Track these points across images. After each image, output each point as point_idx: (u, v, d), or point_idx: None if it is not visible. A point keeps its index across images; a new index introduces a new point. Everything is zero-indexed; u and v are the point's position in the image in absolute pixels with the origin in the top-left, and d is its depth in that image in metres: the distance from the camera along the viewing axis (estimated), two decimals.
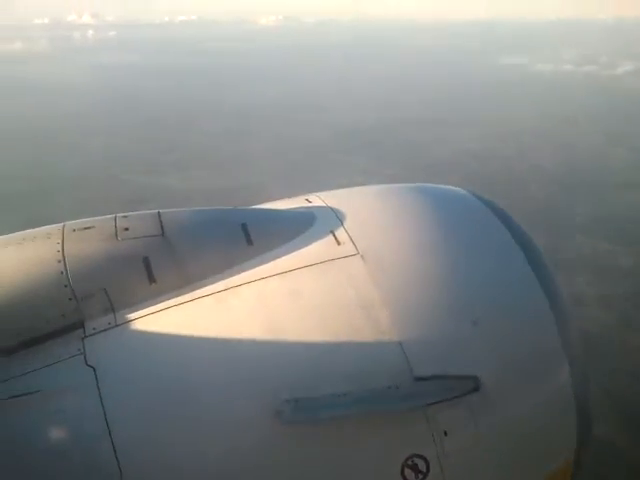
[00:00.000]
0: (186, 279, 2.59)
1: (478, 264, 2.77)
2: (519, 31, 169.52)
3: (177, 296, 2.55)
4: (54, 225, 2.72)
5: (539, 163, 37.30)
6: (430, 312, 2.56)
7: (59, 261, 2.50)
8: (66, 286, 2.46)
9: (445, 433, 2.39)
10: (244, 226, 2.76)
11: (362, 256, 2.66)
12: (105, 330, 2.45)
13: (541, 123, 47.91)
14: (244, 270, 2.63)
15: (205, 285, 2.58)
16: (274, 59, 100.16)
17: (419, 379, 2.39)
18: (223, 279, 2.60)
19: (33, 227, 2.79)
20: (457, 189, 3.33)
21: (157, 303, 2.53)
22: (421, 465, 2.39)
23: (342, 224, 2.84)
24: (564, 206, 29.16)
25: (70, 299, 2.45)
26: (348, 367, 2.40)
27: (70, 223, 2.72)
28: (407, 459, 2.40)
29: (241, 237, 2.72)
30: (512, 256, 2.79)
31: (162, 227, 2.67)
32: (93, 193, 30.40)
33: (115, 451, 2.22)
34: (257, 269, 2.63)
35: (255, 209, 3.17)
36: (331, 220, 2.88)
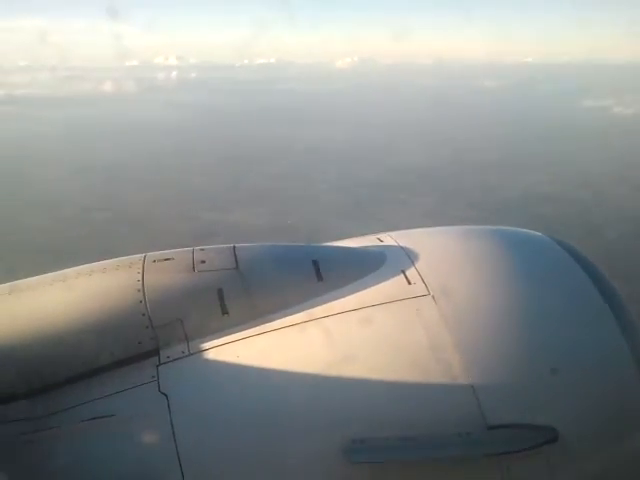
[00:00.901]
0: (257, 312, 2.61)
1: (557, 310, 2.65)
2: (607, 72, 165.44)
3: (248, 328, 2.57)
4: (136, 255, 2.82)
5: (616, 209, 35.71)
6: (505, 358, 2.45)
7: (139, 290, 2.58)
8: (144, 314, 2.53)
9: None
10: (315, 262, 2.76)
11: (434, 297, 2.58)
12: (179, 359, 2.51)
13: (618, 167, 46.06)
14: (314, 306, 2.62)
15: (275, 319, 2.59)
16: (346, 100, 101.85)
17: (492, 427, 2.29)
18: (293, 314, 2.60)
19: (107, 256, 2.91)
20: (535, 233, 3.21)
21: (229, 334, 2.56)
22: None
23: (413, 264, 2.77)
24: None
25: (147, 327, 2.53)
26: (417, 410, 2.34)
27: (151, 254, 2.82)
28: None
29: (312, 273, 2.73)
30: (593, 304, 2.64)
31: (237, 261, 2.72)
32: (162, 227, 31.44)
33: (183, 477, 2.25)
34: (326, 306, 2.62)
35: (326, 246, 3.18)
36: (402, 259, 2.82)
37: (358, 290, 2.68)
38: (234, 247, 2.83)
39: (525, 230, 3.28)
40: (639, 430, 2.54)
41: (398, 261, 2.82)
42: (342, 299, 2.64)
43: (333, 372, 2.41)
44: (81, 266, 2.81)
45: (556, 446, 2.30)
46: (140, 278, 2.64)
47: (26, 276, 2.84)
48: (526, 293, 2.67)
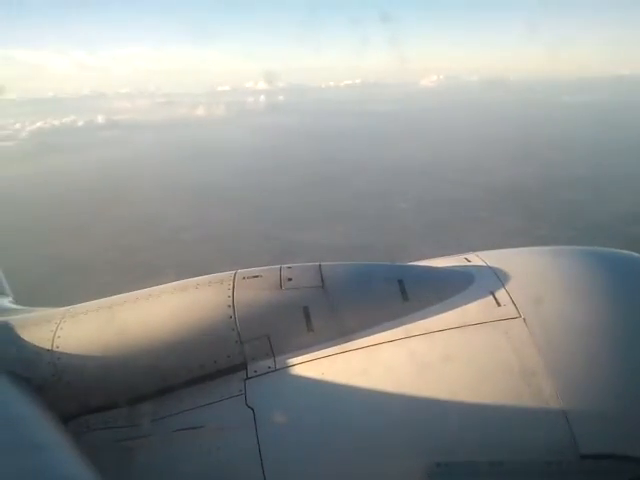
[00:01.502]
0: (342, 330, 2.63)
1: None
2: None
3: (333, 346, 2.60)
4: (227, 272, 2.90)
5: None
6: (600, 384, 2.35)
7: (229, 306, 2.66)
8: (233, 329, 2.62)
9: None
10: (401, 282, 2.75)
11: (524, 319, 2.51)
12: (265, 374, 2.57)
13: None
14: (399, 325, 2.62)
15: (360, 337, 2.61)
16: (431, 119, 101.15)
17: (586, 457, 2.20)
18: (378, 333, 2.61)
19: (193, 273, 3.12)
20: (631, 253, 3.08)
21: (314, 351, 2.60)
22: None
23: (503, 285, 2.71)
24: None
25: (236, 342, 2.61)
26: (506, 435, 2.29)
27: (241, 271, 2.89)
28: None
29: (397, 293, 2.71)
30: None
31: (322, 279, 2.76)
32: (245, 246, 32.64)
33: None
34: (412, 325, 2.60)
35: (412, 266, 3.12)
36: (491, 280, 2.76)
37: (445, 311, 2.64)
38: (320, 265, 2.86)
39: (619, 250, 3.15)
40: None
41: (487, 282, 2.76)
42: (428, 319, 2.61)
43: (418, 393, 2.38)
44: (176, 282, 2.92)
45: None
46: (230, 294, 2.71)
47: (118, 292, 2.98)
48: (621, 316, 2.56)
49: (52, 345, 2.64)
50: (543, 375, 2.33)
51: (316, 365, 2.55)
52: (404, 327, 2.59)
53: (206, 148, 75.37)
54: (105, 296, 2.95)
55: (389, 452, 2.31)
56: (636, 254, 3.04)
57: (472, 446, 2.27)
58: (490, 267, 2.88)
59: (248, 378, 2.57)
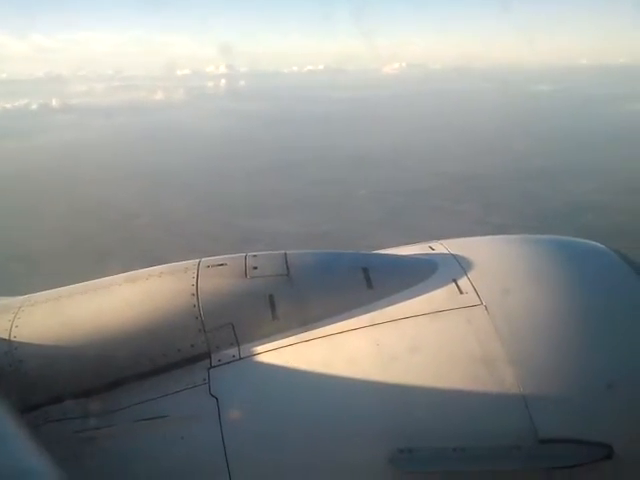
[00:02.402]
0: (307, 318, 2.63)
1: (614, 324, 2.56)
2: None
3: (298, 334, 2.59)
4: (191, 261, 2.88)
5: None
6: (559, 371, 2.39)
7: (193, 294, 2.64)
8: (197, 318, 2.59)
9: None
10: (365, 270, 2.76)
11: (486, 307, 2.53)
12: (229, 362, 2.55)
13: None
14: (363, 313, 2.62)
15: (325, 326, 2.60)
16: (393, 107, 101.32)
17: (544, 441, 2.24)
18: (342, 321, 2.60)
19: (147, 261, 2.99)
20: (593, 243, 3.12)
21: (279, 340, 2.59)
22: None
23: (466, 273, 2.74)
24: None
25: (200, 330, 2.58)
26: (467, 422, 2.32)
27: (205, 260, 2.87)
28: None
29: (362, 281, 2.72)
30: None
31: (288, 267, 2.76)
32: (200, 234, 31.89)
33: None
34: (376, 313, 2.61)
35: (377, 254, 3.18)
36: (454, 268, 2.79)
37: (408, 298, 2.65)
38: (286, 254, 2.86)
39: (582, 240, 3.19)
40: None
41: (450, 270, 2.78)
42: (392, 307, 2.62)
43: (381, 380, 2.39)
44: (138, 270, 2.91)
45: (610, 463, 2.22)
46: (194, 283, 2.68)
47: (71, 280, 2.92)
48: (582, 305, 2.59)
49: (9, 335, 2.59)
50: (504, 362, 2.34)
51: (281, 353, 2.53)
52: (368, 315, 2.59)
53: (164, 133, 73.84)
54: (56, 285, 2.89)
55: (353, 439, 2.31)
56: (597, 244, 3.05)
57: (434, 432, 2.28)
58: (453, 255, 2.90)
59: (212, 367, 2.54)
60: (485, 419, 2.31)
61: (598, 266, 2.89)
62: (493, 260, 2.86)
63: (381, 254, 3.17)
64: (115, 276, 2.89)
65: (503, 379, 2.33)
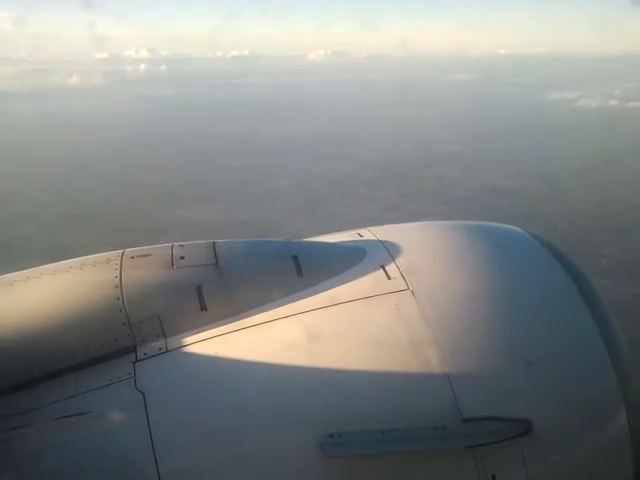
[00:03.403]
0: (236, 308, 2.60)
1: (534, 305, 2.68)
2: (576, 65, 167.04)
3: (227, 324, 2.56)
4: (114, 252, 2.81)
5: (571, 203, 36.06)
6: (482, 352, 2.48)
7: (116, 286, 2.58)
8: (121, 311, 2.52)
9: (493, 477, 2.32)
10: (295, 258, 2.77)
11: (413, 292, 2.60)
12: (156, 355, 2.49)
13: (579, 161, 46.51)
14: (293, 301, 2.63)
15: (255, 314, 2.59)
16: (317, 94, 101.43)
17: (468, 420, 2.32)
18: (272, 309, 2.60)
19: (58, 254, 2.85)
20: (513, 228, 3.24)
21: (207, 330, 2.55)
22: None
23: (393, 259, 2.80)
24: (591, 248, 27.83)
25: (124, 324, 2.51)
26: (394, 404, 2.36)
27: (129, 250, 2.81)
28: None
29: (292, 269, 2.74)
30: (568, 297, 2.69)
31: (216, 257, 2.73)
32: (115, 224, 30.90)
33: (159, 476, 2.22)
34: (306, 301, 2.62)
35: (306, 242, 3.20)
36: (382, 255, 2.84)
37: (338, 285, 2.68)
38: (214, 243, 2.84)
39: (504, 225, 3.31)
40: (612, 422, 2.55)
41: (378, 256, 2.83)
42: (322, 294, 2.64)
43: (311, 367, 2.41)
44: (58, 262, 2.81)
45: (529, 438, 2.32)
46: (118, 274, 2.63)
47: None
48: (504, 288, 2.69)
49: None
50: (430, 344, 2.41)
51: (210, 344, 2.51)
52: (299, 302, 2.61)
53: (78, 119, 70.70)
54: None
55: (283, 427, 2.33)
56: (519, 229, 3.17)
57: (363, 416, 2.31)
58: (381, 242, 2.96)
59: (138, 361, 2.48)
60: (412, 401, 2.37)
61: (518, 250, 3.01)
62: (419, 246, 2.94)
63: (310, 242, 3.20)
64: (33, 269, 2.79)
65: (429, 361, 2.39)
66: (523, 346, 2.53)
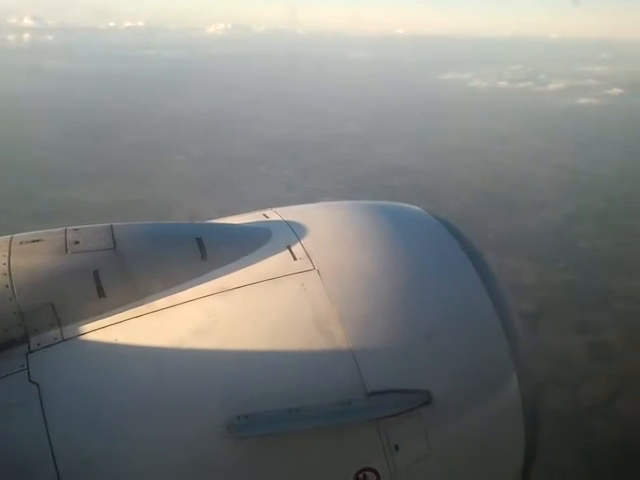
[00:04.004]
0: (137, 293, 2.52)
1: (432, 280, 2.79)
2: (470, 47, 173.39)
3: (127, 310, 2.47)
4: (1, 237, 2.66)
5: (462, 180, 37.78)
6: (385, 328, 2.54)
7: (4, 274, 2.44)
8: (11, 300, 2.39)
9: (396, 447, 2.38)
10: (199, 240, 2.71)
11: (318, 271, 2.63)
12: (51, 345, 2.37)
13: (469, 139, 48.73)
14: (197, 284, 2.58)
15: (157, 299, 2.51)
16: (215, 68, 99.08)
17: (372, 394, 2.37)
18: (175, 294, 2.54)
19: None
20: (412, 207, 3.30)
21: (106, 317, 2.45)
22: (372, 478, 2.38)
23: (299, 239, 2.81)
24: (479, 222, 29.30)
25: (14, 313, 2.38)
26: (301, 383, 2.38)
27: (18, 235, 2.66)
28: (358, 473, 2.38)
29: (196, 252, 2.67)
30: (464, 272, 2.81)
31: (114, 241, 2.62)
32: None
33: (57, 470, 2.13)
34: (210, 283, 2.58)
35: (210, 223, 3.17)
36: (288, 235, 2.85)
37: (243, 267, 2.66)
38: (111, 226, 2.72)
39: (403, 204, 3.38)
40: (505, 390, 2.68)
41: (284, 237, 2.84)
42: (227, 276, 2.62)
43: (217, 350, 2.40)
44: None
45: (429, 408, 2.40)
46: (6, 261, 2.49)
47: None
48: (404, 265, 2.77)
49: None
50: (335, 322, 2.46)
51: (109, 331, 2.42)
52: (203, 286, 2.58)
53: None
54: None
55: (189, 412, 2.29)
56: (418, 208, 3.26)
57: (270, 396, 2.32)
58: (287, 222, 2.97)
59: (31, 352, 2.34)
60: (318, 378, 2.41)
61: (417, 228, 3.10)
62: (324, 226, 2.97)
63: (214, 223, 3.17)
64: None
65: (335, 339, 2.44)
66: (423, 320, 2.63)
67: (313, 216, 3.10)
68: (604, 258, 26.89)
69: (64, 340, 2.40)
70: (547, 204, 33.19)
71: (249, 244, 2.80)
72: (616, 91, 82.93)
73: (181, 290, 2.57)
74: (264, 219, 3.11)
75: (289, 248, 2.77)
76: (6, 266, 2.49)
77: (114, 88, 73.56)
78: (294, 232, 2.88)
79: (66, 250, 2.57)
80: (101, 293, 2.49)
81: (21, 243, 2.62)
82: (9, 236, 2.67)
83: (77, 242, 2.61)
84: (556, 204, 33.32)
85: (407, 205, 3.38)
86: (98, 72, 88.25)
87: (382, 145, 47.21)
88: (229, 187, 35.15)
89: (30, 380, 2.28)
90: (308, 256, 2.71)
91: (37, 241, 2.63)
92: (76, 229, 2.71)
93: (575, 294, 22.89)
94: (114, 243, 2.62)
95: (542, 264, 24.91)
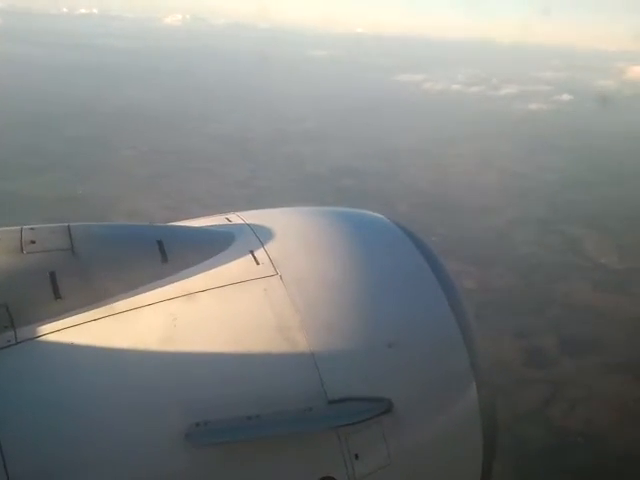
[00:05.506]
0: (95, 296, 2.46)
1: (394, 288, 2.80)
2: (429, 49, 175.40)
3: (85, 313, 2.40)
4: None
5: (410, 183, 38.14)
6: (346, 335, 2.54)
7: None
8: None
9: (356, 456, 2.37)
10: (160, 243, 2.65)
11: (281, 277, 2.61)
12: (4, 348, 2.28)
13: (418, 142, 49.26)
14: (156, 288, 2.53)
15: (115, 303, 2.45)
16: (169, 61, 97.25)
17: (333, 401, 2.36)
18: (135, 297, 2.48)
19: None
20: (374, 214, 3.34)
21: (63, 320, 2.37)
22: None
23: (262, 244, 2.79)
24: (426, 226, 29.50)
25: None
26: (262, 390, 2.35)
27: None
28: None
29: (156, 254, 2.62)
30: (425, 281, 2.82)
31: (71, 241, 2.56)
32: None
33: (8, 476, 2.03)
34: (171, 287, 2.54)
35: (172, 226, 3.12)
36: (251, 240, 2.83)
37: (205, 271, 2.63)
38: (69, 226, 2.67)
39: (365, 211, 3.42)
40: (464, 398, 2.70)
41: (247, 241, 2.82)
42: (187, 280, 2.57)
43: (177, 354, 2.34)
44: None
45: (390, 416, 2.41)
46: None
47: None
48: (367, 272, 2.78)
49: None
50: (297, 329, 2.45)
51: (65, 334, 2.34)
52: (163, 289, 2.52)
53: None
54: None
55: (147, 419, 2.24)
56: (379, 215, 3.29)
57: (230, 403, 2.29)
58: (250, 226, 2.95)
59: None
60: (280, 385, 2.38)
61: (379, 235, 3.12)
62: (288, 232, 2.95)
63: (176, 226, 3.13)
64: None
65: (297, 345, 2.42)
66: (385, 328, 2.63)
67: (276, 221, 3.08)
68: (543, 264, 27.56)
69: (18, 342, 2.32)
70: (491, 209, 33.80)
71: (211, 248, 2.76)
72: (566, 97, 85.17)
73: (141, 293, 2.52)
74: (227, 223, 3.08)
75: (252, 253, 2.74)
76: None
77: (61, 77, 71.30)
78: (257, 237, 2.86)
79: (22, 250, 2.51)
80: (57, 295, 2.43)
81: None
82: None
83: (33, 242, 2.55)
84: (500, 209, 33.97)
85: (369, 212, 3.40)
86: (45, 60, 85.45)
87: (335, 145, 47.24)
88: (176, 183, 34.54)
89: None
90: (271, 261, 2.69)
91: None
92: (32, 228, 2.65)
93: (512, 299, 23.36)
94: (72, 244, 2.57)
95: (482, 268, 25.33)
